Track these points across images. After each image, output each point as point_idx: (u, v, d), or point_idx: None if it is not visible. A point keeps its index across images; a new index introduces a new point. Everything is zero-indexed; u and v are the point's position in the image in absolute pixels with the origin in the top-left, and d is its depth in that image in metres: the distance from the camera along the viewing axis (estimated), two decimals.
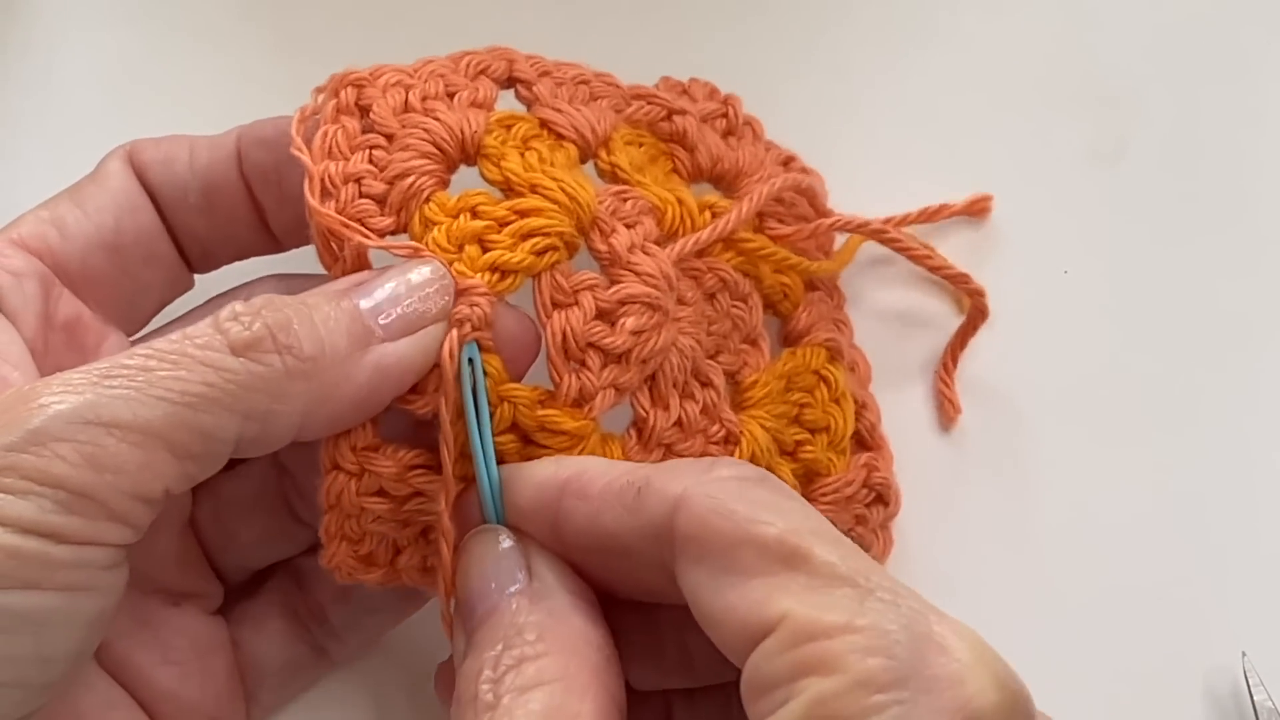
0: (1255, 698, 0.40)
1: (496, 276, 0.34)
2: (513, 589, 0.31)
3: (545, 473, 0.33)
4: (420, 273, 0.33)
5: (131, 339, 0.38)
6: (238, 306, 0.31)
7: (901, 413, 0.44)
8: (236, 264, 0.40)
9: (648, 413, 0.36)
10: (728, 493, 0.29)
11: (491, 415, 0.33)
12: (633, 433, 0.36)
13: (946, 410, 0.44)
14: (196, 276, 0.40)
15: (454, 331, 0.33)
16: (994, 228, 0.46)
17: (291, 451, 0.33)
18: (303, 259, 0.39)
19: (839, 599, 0.27)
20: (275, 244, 0.39)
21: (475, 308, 0.33)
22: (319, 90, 0.37)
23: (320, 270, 0.36)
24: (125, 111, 0.47)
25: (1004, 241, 0.46)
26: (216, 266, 0.39)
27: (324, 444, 0.33)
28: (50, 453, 0.28)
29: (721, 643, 0.28)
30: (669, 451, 0.36)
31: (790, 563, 0.28)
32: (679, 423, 0.37)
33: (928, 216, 0.44)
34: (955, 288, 0.44)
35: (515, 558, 0.32)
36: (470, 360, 0.33)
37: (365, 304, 0.32)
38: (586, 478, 0.32)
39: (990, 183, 0.46)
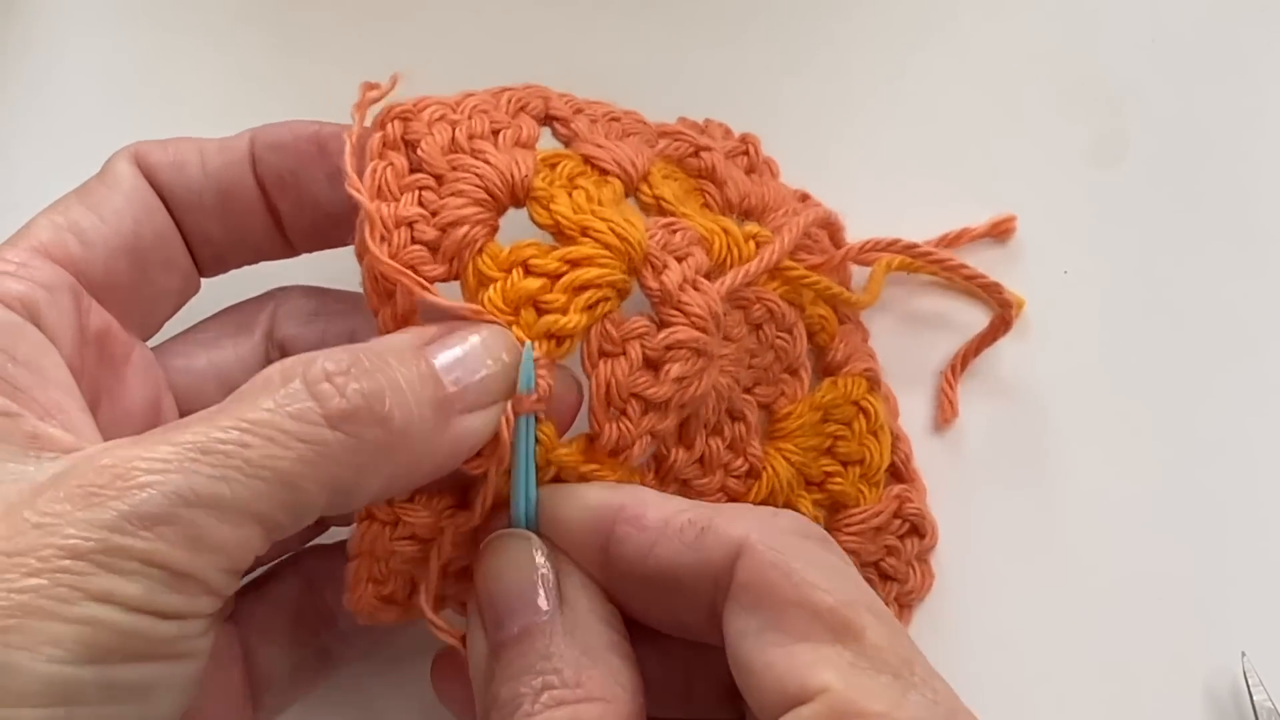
0: (1255, 698, 0.40)
1: (553, 344, 0.33)
2: (545, 614, 0.31)
3: (598, 497, 0.33)
4: (489, 341, 0.33)
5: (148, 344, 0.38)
6: (328, 365, 0.30)
7: (903, 415, 0.44)
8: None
9: (669, 451, 0.36)
10: (789, 548, 0.30)
11: (538, 475, 0.34)
12: (651, 464, 0.36)
13: (944, 410, 0.44)
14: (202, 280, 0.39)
15: (510, 405, 0.33)
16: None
17: None
18: (311, 262, 0.39)
19: (882, 685, 0.28)
20: (289, 248, 0.39)
21: (541, 379, 0.33)
22: (357, 107, 0.36)
23: (338, 271, 0.37)
24: (125, 111, 0.47)
25: (1004, 241, 0.46)
26: (226, 270, 0.39)
27: None
28: (154, 535, 0.28)
29: (752, 694, 0.29)
30: (685, 486, 0.37)
31: (841, 636, 0.28)
32: (700, 459, 0.37)
33: (949, 242, 0.45)
34: (988, 295, 0.44)
35: (549, 577, 0.32)
36: (525, 428, 0.33)
37: (439, 363, 0.32)
38: (642, 507, 0.32)
39: (989, 183, 0.46)
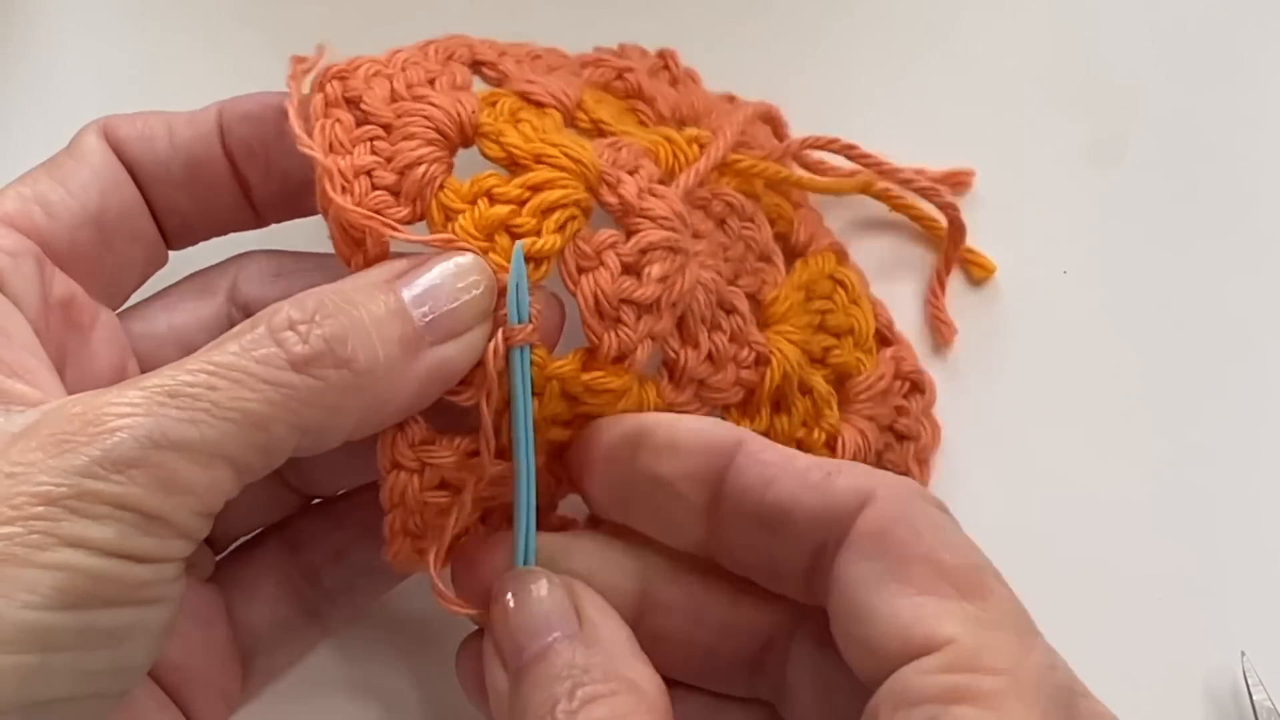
0: (1255, 698, 0.40)
1: (531, 266, 0.34)
2: (565, 632, 0.32)
3: (714, 428, 0.34)
4: (463, 267, 0.33)
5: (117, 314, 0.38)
6: (293, 313, 0.30)
7: None
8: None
9: (678, 353, 0.36)
10: (916, 507, 0.31)
11: (537, 397, 0.34)
12: (664, 372, 0.37)
13: (941, 332, 0.44)
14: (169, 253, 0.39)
15: (500, 335, 0.33)
16: (994, 228, 0.46)
17: None
18: (281, 233, 0.39)
19: (1007, 643, 0.28)
20: (257, 219, 0.39)
21: (532, 308, 0.33)
22: (291, 78, 0.36)
23: (304, 244, 0.37)
24: (125, 111, 0.46)
25: (1004, 242, 0.46)
26: (194, 242, 0.39)
27: (380, 444, 0.34)
28: (126, 478, 0.28)
29: (867, 641, 0.29)
30: (702, 385, 0.37)
31: (967, 594, 0.29)
32: (710, 356, 0.37)
33: (903, 180, 0.44)
34: (929, 200, 0.44)
35: (564, 600, 0.32)
36: (519, 357, 0.33)
37: (409, 295, 0.32)
38: (762, 443, 0.33)
39: (990, 182, 0.46)
